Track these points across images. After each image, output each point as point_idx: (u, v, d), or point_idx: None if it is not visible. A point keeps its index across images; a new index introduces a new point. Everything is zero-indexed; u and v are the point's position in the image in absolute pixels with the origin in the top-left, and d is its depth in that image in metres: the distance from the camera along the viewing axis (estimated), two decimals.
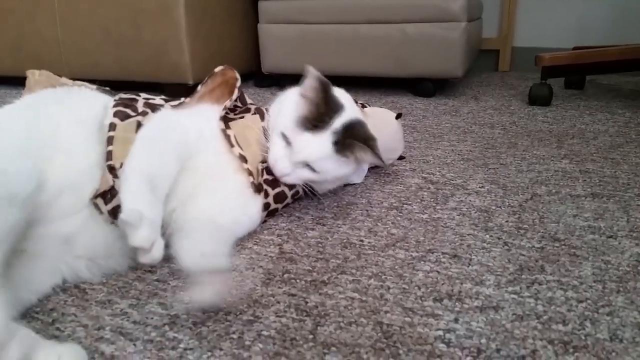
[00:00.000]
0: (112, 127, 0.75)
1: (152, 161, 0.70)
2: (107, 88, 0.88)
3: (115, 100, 0.81)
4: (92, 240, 0.69)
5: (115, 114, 0.76)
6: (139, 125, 0.76)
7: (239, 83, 0.90)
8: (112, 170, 0.70)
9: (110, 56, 2.08)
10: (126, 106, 0.79)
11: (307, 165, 0.84)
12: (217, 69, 0.91)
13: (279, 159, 0.84)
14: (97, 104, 0.80)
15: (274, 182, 0.85)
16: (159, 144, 0.73)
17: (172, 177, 0.71)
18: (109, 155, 0.71)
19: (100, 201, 0.69)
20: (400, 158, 1.12)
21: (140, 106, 0.81)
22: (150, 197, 0.64)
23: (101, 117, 0.77)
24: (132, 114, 0.78)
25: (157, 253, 0.60)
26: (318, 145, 0.83)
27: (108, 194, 0.70)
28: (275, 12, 2.08)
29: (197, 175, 0.77)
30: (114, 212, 0.69)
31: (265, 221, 0.87)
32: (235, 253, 0.77)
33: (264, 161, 0.85)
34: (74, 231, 0.68)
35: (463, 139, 1.38)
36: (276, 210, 0.88)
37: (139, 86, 2.22)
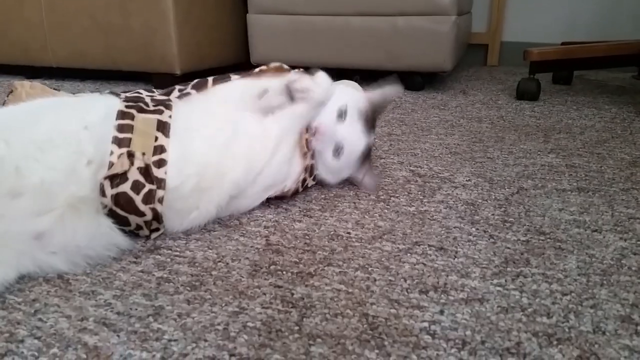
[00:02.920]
0: (129, 115, 0.74)
1: None
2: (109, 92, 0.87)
3: (122, 97, 0.80)
4: (73, 235, 0.68)
5: (129, 107, 0.76)
6: (159, 124, 0.75)
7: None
8: (130, 156, 0.71)
9: (98, 44, 2.06)
10: (136, 101, 0.78)
11: (336, 151, 0.91)
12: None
13: (328, 126, 0.90)
14: (100, 100, 0.79)
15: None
16: None
17: None
18: (124, 142, 0.71)
19: (107, 183, 0.69)
20: None
21: (149, 102, 0.80)
22: None
23: (101, 114, 0.74)
24: (146, 108, 0.77)
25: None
26: (360, 144, 0.93)
27: (118, 178, 0.70)
28: (264, 2, 2.06)
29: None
30: (117, 198, 0.70)
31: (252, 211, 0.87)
32: (222, 244, 0.77)
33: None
34: (49, 228, 0.66)
35: (451, 133, 1.38)
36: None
37: (126, 75, 2.20)
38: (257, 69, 0.93)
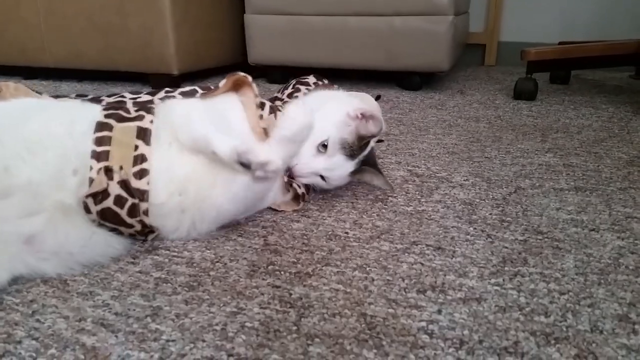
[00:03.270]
0: (107, 127, 0.72)
1: None
2: (89, 95, 0.86)
3: (103, 105, 0.79)
4: (65, 240, 0.68)
5: (108, 116, 0.73)
6: (140, 131, 0.73)
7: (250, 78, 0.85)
8: (108, 172, 0.69)
9: (95, 45, 2.05)
10: (117, 108, 0.76)
11: (322, 178, 0.88)
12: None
13: (304, 166, 0.86)
14: (83, 109, 0.77)
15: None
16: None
17: None
18: (103, 156, 0.69)
19: (90, 201, 0.69)
20: (379, 141, 1.14)
21: (130, 107, 0.77)
22: None
23: (87, 121, 0.73)
24: (126, 115, 0.74)
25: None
26: (346, 170, 0.89)
27: (100, 195, 0.69)
28: (262, 2, 2.06)
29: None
30: (103, 213, 0.69)
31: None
32: (220, 245, 0.77)
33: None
34: (40, 230, 0.66)
35: (448, 133, 1.38)
36: None
37: (124, 76, 2.20)
38: (214, 86, 0.85)
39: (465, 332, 0.57)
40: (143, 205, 0.71)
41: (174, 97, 0.84)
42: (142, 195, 0.71)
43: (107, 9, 1.98)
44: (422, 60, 1.91)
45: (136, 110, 0.76)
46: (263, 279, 0.68)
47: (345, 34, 1.97)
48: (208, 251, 0.75)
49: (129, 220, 0.71)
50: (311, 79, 1.02)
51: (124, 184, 0.69)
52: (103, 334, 0.57)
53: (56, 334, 0.57)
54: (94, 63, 2.09)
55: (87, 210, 0.69)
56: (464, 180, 1.03)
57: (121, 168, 0.69)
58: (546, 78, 2.16)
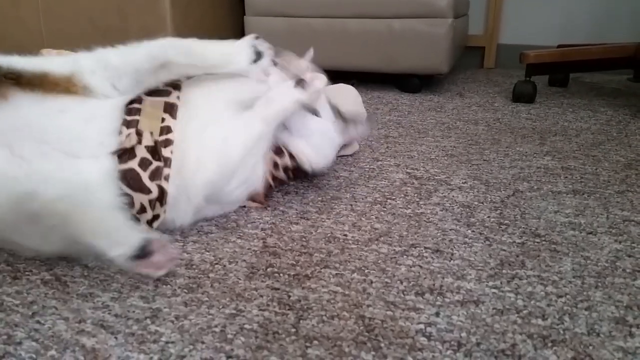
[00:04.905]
0: (137, 100, 0.78)
1: None
2: None
3: None
4: None
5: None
6: (166, 106, 0.79)
7: None
8: (138, 135, 0.74)
9: (96, 47, 2.06)
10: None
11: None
12: None
13: None
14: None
15: None
16: None
17: None
18: (132, 123, 0.74)
19: (115, 159, 0.72)
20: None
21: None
22: None
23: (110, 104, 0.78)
24: (154, 90, 0.80)
25: None
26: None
27: (127, 154, 0.72)
28: (262, 5, 2.07)
29: None
30: (125, 175, 0.72)
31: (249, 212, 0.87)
32: (219, 247, 0.77)
33: None
34: None
35: (447, 135, 1.39)
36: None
37: None
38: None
39: (463, 334, 0.57)
40: (166, 170, 0.75)
41: None
42: (166, 161, 0.75)
43: (107, 11, 1.98)
44: (421, 62, 1.91)
45: (164, 86, 0.82)
46: (262, 281, 0.68)
47: (345, 36, 1.98)
48: (207, 253, 0.75)
49: (148, 183, 0.74)
50: None
51: (152, 148, 0.74)
52: (103, 335, 0.57)
53: (56, 336, 0.57)
54: None
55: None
56: (462, 183, 1.03)
57: (152, 133, 0.75)
58: (545, 81, 2.17)
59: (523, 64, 1.85)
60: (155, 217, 0.77)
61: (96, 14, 2.00)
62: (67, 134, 0.70)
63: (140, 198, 0.74)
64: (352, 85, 1.11)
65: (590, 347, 0.55)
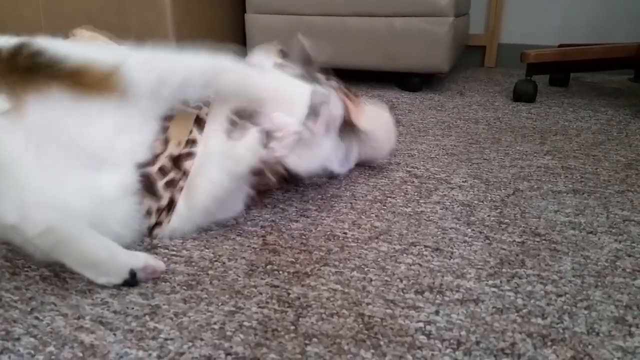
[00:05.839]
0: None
1: None
2: None
3: None
4: None
5: None
6: (197, 119, 0.79)
7: None
8: (166, 142, 0.75)
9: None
10: None
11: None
12: None
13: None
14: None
15: None
16: None
17: None
18: (163, 129, 0.76)
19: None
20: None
21: None
22: None
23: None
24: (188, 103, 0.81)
25: None
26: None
27: (151, 160, 0.73)
28: (262, 2, 2.06)
29: None
30: (141, 176, 0.72)
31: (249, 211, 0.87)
32: (218, 244, 0.77)
33: None
34: None
35: (448, 134, 1.39)
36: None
37: None
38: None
39: (463, 333, 0.57)
40: (181, 183, 0.75)
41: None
42: (185, 173, 0.76)
43: (107, 8, 1.98)
44: (422, 61, 1.91)
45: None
46: (261, 279, 0.68)
47: (346, 34, 1.98)
48: (207, 250, 0.75)
49: (161, 191, 0.74)
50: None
51: (175, 158, 0.75)
52: (101, 332, 0.57)
53: (55, 332, 0.57)
54: None
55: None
56: (462, 181, 1.03)
57: (178, 144, 0.76)
58: (546, 80, 2.16)
59: (524, 64, 1.85)
60: (158, 224, 0.77)
61: (96, 11, 2.00)
62: (95, 145, 0.68)
63: (149, 202, 0.74)
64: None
65: (590, 347, 0.55)
